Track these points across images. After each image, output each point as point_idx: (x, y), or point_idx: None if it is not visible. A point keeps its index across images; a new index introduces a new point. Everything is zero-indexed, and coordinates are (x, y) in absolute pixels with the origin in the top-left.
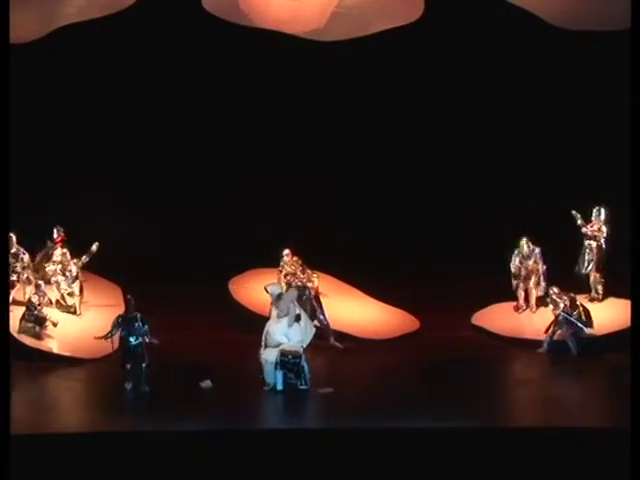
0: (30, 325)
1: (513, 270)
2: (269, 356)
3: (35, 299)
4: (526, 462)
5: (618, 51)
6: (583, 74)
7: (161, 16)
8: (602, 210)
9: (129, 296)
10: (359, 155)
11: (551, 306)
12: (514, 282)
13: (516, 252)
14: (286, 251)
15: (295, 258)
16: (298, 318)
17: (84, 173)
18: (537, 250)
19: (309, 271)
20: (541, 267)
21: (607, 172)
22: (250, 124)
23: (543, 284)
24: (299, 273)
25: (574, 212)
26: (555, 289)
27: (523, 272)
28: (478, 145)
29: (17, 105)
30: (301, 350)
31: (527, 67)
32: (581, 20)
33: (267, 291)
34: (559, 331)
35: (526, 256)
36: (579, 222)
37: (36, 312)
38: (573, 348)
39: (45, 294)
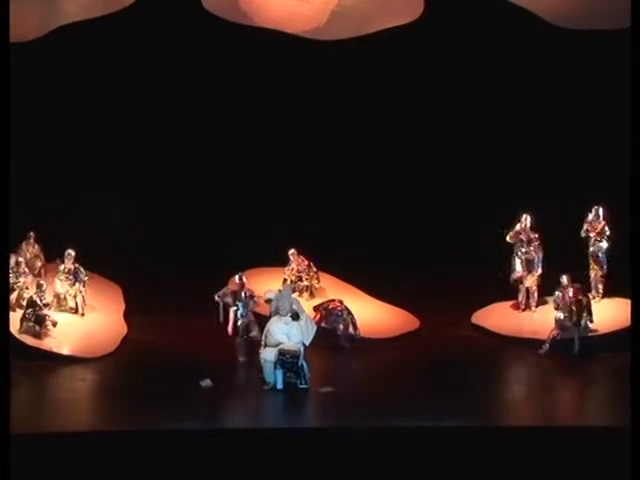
0: (31, 324)
1: (510, 240)
2: (268, 355)
3: (36, 298)
4: (526, 461)
5: (618, 50)
6: (583, 74)
7: (161, 15)
8: (600, 210)
9: (240, 273)
10: (360, 154)
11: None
12: (514, 276)
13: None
14: (292, 250)
15: (302, 257)
16: (296, 317)
17: (85, 173)
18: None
19: (315, 270)
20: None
21: (607, 172)
22: (250, 124)
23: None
24: (306, 273)
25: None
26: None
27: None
28: (478, 145)
29: (17, 104)
30: (300, 349)
31: (527, 66)
32: (581, 19)
33: (267, 302)
34: (561, 332)
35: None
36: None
37: (37, 311)
38: (576, 347)
39: (48, 293)
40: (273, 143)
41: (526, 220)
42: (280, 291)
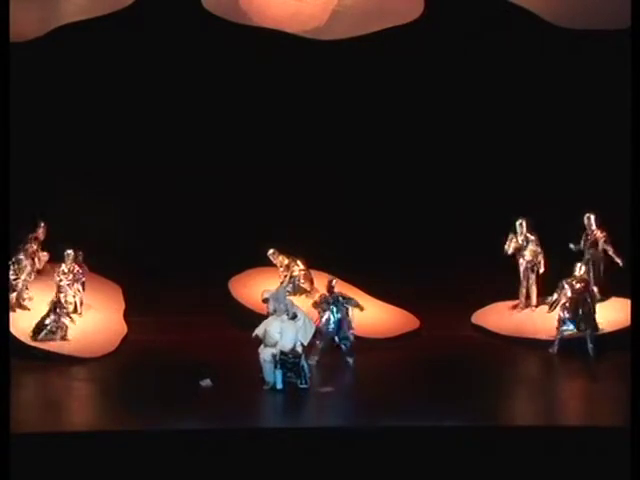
0: (51, 332)
1: (508, 251)
2: (267, 355)
3: (60, 306)
4: (526, 461)
5: (618, 50)
6: (583, 74)
7: (161, 15)
8: (592, 218)
9: (331, 277)
10: (360, 154)
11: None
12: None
13: (511, 236)
14: (270, 251)
15: (281, 257)
16: (294, 316)
17: (85, 173)
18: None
19: (302, 267)
20: (540, 254)
21: (606, 171)
22: (250, 124)
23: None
24: (296, 270)
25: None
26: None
27: (523, 261)
28: (478, 145)
29: (17, 103)
30: (300, 349)
31: (527, 66)
32: (581, 19)
33: (264, 301)
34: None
35: (522, 241)
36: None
37: (59, 320)
38: (590, 350)
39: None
40: (273, 143)
41: (522, 225)
42: (277, 291)
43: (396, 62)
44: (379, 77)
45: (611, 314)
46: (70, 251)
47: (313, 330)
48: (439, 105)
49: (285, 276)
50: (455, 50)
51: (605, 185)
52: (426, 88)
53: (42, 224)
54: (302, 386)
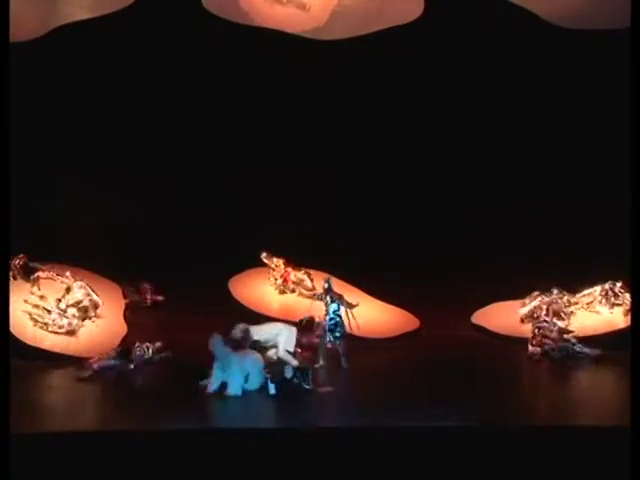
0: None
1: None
2: None
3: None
4: (526, 461)
5: (618, 50)
6: (582, 75)
7: (161, 15)
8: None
9: (329, 276)
10: (359, 154)
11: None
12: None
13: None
14: (263, 254)
15: (276, 259)
16: (254, 346)
17: (85, 172)
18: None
19: (292, 269)
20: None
21: (606, 170)
22: (250, 123)
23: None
24: (293, 274)
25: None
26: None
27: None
28: (478, 145)
29: (16, 104)
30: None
31: (527, 66)
32: (581, 19)
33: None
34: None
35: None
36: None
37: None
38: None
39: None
40: (273, 143)
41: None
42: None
43: (396, 62)
44: (379, 77)
45: (610, 313)
46: (67, 273)
47: (295, 335)
48: (439, 105)
49: (280, 276)
50: (455, 50)
51: (604, 184)
52: (426, 88)
53: (20, 256)
54: (307, 387)
